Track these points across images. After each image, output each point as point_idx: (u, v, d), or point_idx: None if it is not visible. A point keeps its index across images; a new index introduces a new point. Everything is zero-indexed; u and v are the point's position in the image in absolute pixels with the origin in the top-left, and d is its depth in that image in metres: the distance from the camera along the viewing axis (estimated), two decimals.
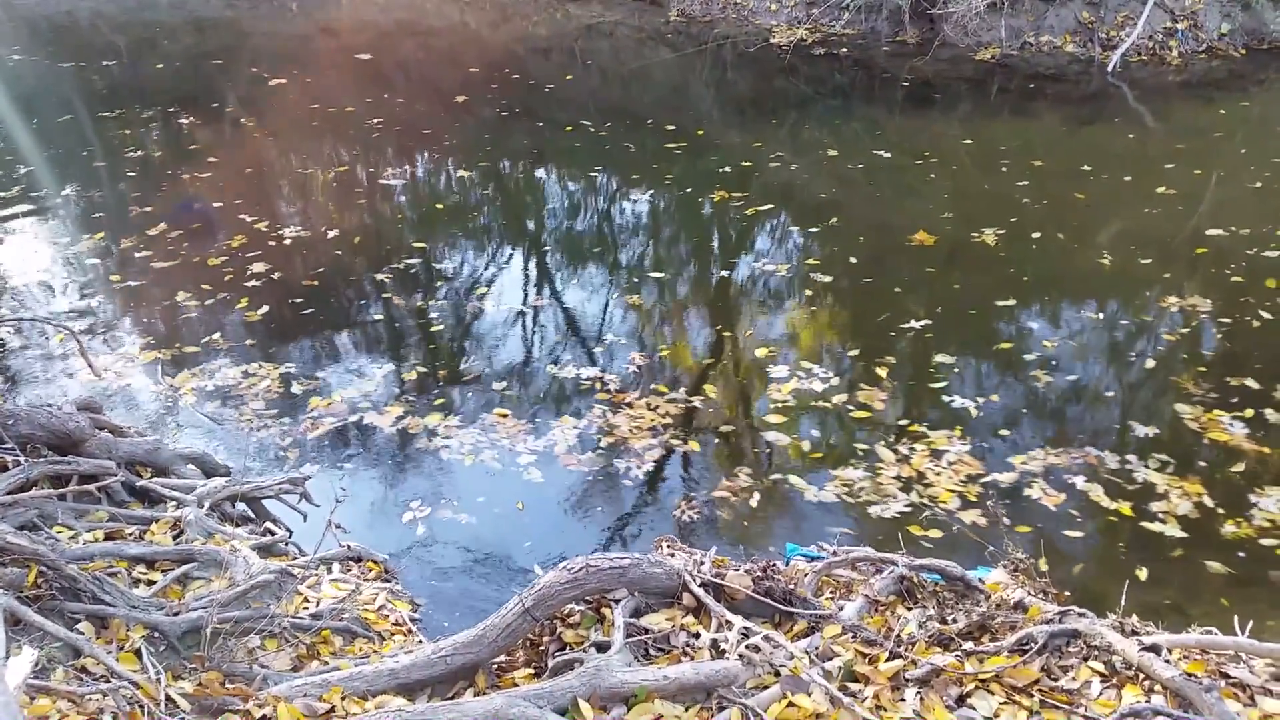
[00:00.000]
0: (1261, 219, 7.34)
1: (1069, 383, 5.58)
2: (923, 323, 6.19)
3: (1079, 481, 4.70)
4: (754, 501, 4.75)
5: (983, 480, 4.75)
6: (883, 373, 5.71)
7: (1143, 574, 4.12)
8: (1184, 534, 4.33)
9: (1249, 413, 5.09)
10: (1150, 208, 7.77)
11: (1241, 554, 4.20)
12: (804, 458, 5.07)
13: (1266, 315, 6.07)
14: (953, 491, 4.67)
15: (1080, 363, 5.79)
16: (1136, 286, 6.62)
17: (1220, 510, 4.44)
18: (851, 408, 5.41)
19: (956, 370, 5.73)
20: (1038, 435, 5.13)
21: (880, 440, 5.11)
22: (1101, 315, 6.33)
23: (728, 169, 9.06)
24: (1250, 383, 5.37)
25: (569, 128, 10.52)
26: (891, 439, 5.12)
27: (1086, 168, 8.56)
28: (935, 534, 4.47)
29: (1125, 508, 4.51)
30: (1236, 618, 3.07)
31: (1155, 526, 4.37)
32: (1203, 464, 4.76)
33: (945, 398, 5.44)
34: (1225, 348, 5.84)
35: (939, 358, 5.83)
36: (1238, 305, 6.24)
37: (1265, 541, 4.26)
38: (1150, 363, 5.71)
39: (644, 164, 9.37)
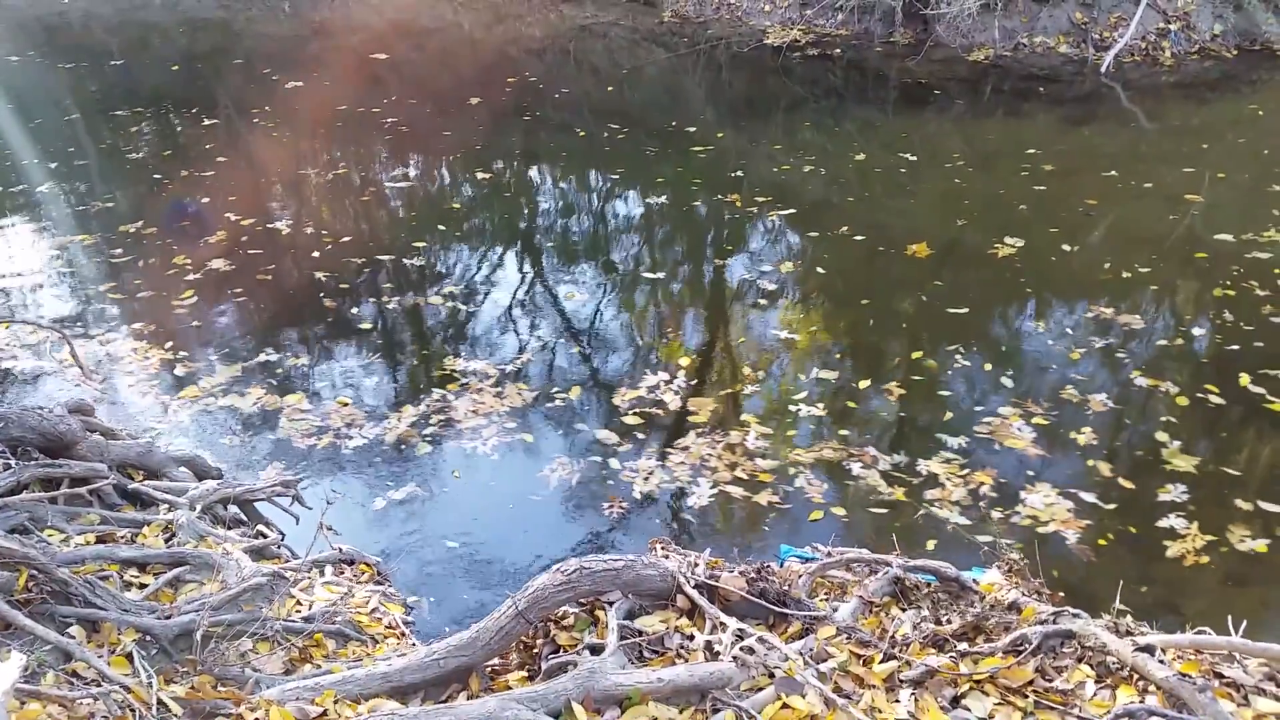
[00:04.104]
0: (1264, 221, 7.33)
1: (923, 394, 5.63)
2: (805, 335, 6.32)
3: (855, 468, 4.98)
4: (572, 487, 5.00)
5: (759, 468, 5.00)
6: (743, 384, 5.80)
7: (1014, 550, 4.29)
8: (965, 520, 4.59)
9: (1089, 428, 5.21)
10: (1145, 208, 7.79)
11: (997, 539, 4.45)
12: (615, 451, 5.25)
13: (1197, 331, 6.07)
14: (731, 473, 5.00)
15: (961, 377, 5.75)
16: (1113, 295, 6.54)
17: (995, 494, 4.75)
18: (693, 410, 5.54)
19: (833, 383, 5.78)
20: (840, 436, 5.25)
21: (692, 435, 5.31)
22: (1034, 326, 6.29)
23: (740, 172, 9.04)
24: (1072, 393, 5.50)
25: (581, 131, 10.51)
26: (698, 436, 5.29)
27: (1084, 167, 8.59)
28: (929, 534, 4.49)
29: (900, 493, 4.79)
30: (1230, 617, 3.08)
31: (943, 512, 4.63)
32: (989, 464, 4.97)
33: (794, 407, 5.54)
34: (1124, 361, 5.83)
35: (822, 372, 5.87)
36: (1184, 318, 6.29)
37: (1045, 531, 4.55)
38: (1009, 382, 5.65)
39: (670, 168, 9.36)
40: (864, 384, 5.75)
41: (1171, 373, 5.66)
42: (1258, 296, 6.33)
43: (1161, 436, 5.10)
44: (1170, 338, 6.07)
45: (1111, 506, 4.65)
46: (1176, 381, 5.54)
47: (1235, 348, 5.84)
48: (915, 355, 5.96)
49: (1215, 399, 5.37)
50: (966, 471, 4.91)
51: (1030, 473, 4.90)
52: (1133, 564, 4.29)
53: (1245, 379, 5.48)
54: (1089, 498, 4.70)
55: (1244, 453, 5.01)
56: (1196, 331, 6.07)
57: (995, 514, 4.62)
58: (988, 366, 5.84)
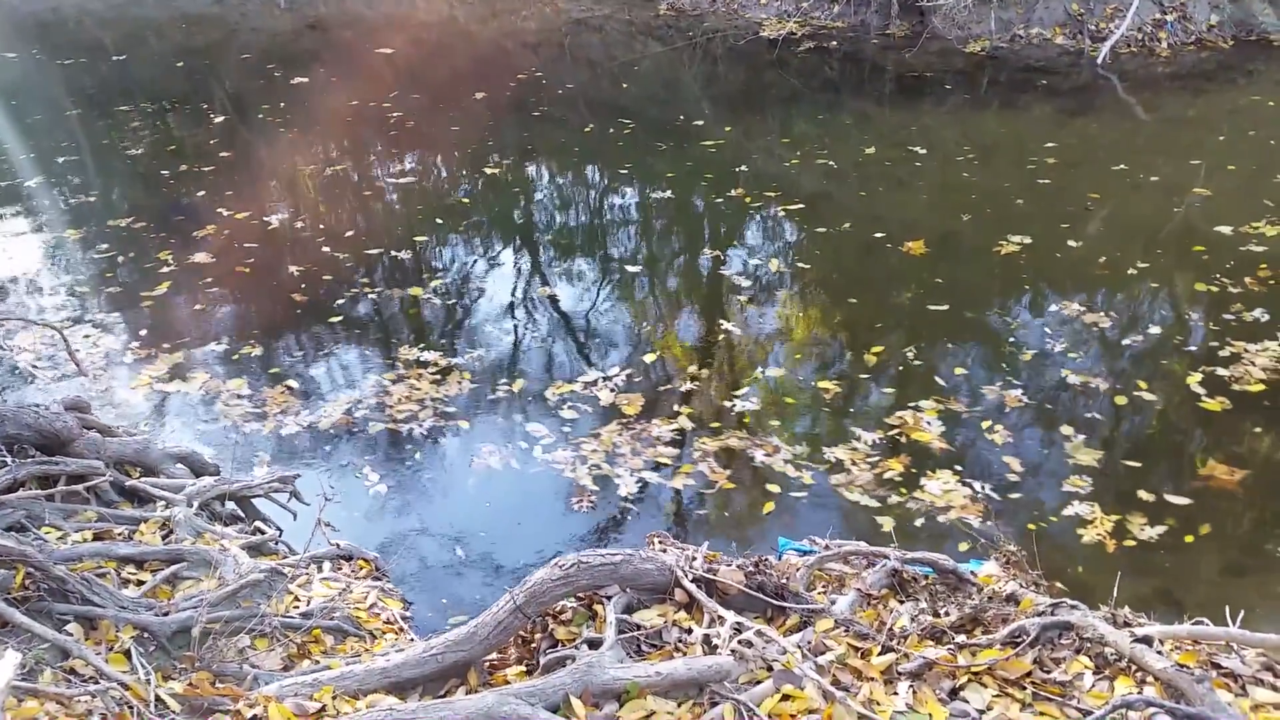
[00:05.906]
0: (1261, 213, 7.32)
1: (853, 390, 5.69)
2: (765, 340, 6.35)
3: (758, 455, 5.13)
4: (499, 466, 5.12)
5: (660, 456, 5.16)
6: (687, 380, 5.82)
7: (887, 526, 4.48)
8: (873, 502, 4.75)
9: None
10: (1147, 201, 7.79)
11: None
12: (537, 443, 5.33)
13: (1155, 329, 6.06)
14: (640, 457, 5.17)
15: (905, 374, 5.77)
16: (1103, 291, 6.52)
17: (899, 480, 4.89)
18: (624, 403, 5.59)
19: (773, 378, 5.81)
20: (756, 430, 5.34)
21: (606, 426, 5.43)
22: (1006, 323, 6.27)
23: (745, 167, 9.01)
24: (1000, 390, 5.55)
25: (588, 127, 10.49)
26: (612, 427, 5.40)
27: (1084, 160, 8.57)
28: (927, 527, 4.50)
29: (807, 477, 4.96)
30: (1228, 608, 3.08)
31: (852, 495, 4.80)
32: (901, 455, 5.07)
33: (728, 403, 5.59)
34: (1073, 360, 5.81)
35: (771, 371, 5.92)
36: (1157, 315, 6.32)
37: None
38: (943, 381, 5.65)
39: (678, 163, 9.35)
40: (811, 379, 5.80)
41: (1116, 373, 5.67)
42: (1230, 295, 6.32)
43: (1066, 430, 5.17)
44: (1133, 337, 6.04)
45: (1016, 496, 4.76)
46: (1114, 379, 5.57)
47: (1193, 349, 5.86)
48: (876, 350, 5.95)
49: (1148, 396, 5.39)
50: (876, 458, 5.01)
51: (952, 465, 4.96)
52: (1131, 556, 4.30)
53: (1195, 378, 5.49)
54: (982, 487, 4.78)
55: (1158, 449, 5.11)
56: (1154, 330, 6.06)
57: (895, 498, 4.74)
58: (936, 363, 5.86)
